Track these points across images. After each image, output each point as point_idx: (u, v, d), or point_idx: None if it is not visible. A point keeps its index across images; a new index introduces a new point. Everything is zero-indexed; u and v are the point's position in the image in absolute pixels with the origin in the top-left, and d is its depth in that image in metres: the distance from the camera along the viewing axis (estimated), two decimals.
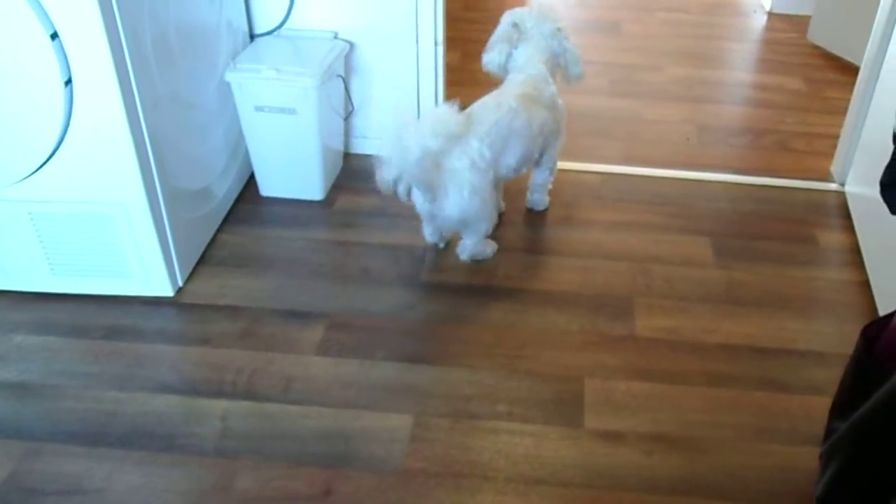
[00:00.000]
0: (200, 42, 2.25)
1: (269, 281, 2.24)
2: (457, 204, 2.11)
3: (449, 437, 1.80)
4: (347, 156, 2.80)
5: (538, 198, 2.53)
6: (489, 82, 3.35)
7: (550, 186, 2.54)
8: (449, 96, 2.76)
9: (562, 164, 2.63)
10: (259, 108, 2.38)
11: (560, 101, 2.39)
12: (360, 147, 2.82)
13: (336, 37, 2.57)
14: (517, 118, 2.19)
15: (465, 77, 3.30)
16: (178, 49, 2.09)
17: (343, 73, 2.56)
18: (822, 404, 1.65)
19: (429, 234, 2.34)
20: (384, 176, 2.04)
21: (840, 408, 1.62)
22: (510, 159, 2.21)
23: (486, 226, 2.22)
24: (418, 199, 2.18)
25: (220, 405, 1.87)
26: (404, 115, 2.22)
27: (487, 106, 2.20)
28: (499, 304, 2.18)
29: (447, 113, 2.01)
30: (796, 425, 1.85)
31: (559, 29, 2.33)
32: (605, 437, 1.81)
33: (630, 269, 2.32)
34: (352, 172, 2.74)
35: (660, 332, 2.11)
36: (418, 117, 2.22)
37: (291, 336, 2.06)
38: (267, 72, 2.31)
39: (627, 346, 2.06)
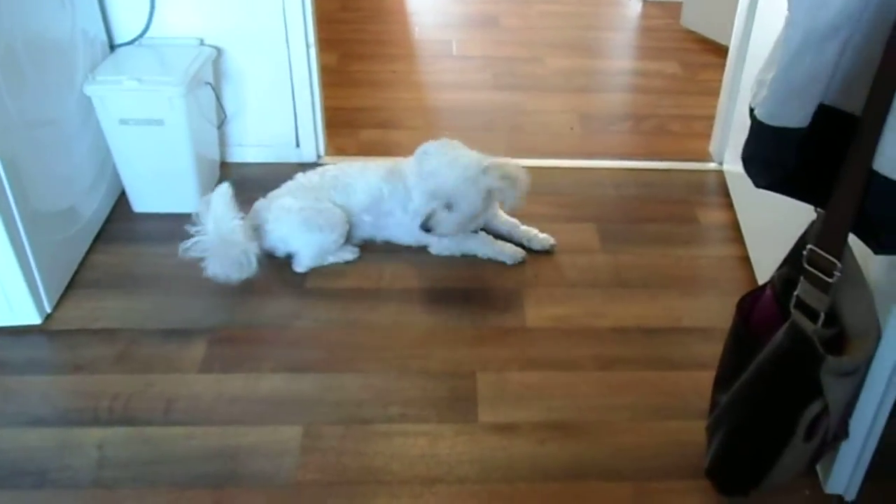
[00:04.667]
0: (53, 55, 2.12)
1: (145, 300, 2.13)
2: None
3: (341, 444, 1.75)
4: (224, 165, 2.71)
5: None
6: (369, 82, 3.33)
7: None
8: (327, 99, 2.71)
9: None
10: (124, 122, 2.27)
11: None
12: (238, 155, 2.73)
13: (202, 43, 2.48)
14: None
15: (343, 79, 3.26)
16: (27, 64, 1.96)
17: (212, 79, 2.47)
18: (708, 378, 1.68)
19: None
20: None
21: (722, 381, 1.64)
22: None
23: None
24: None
25: (96, 434, 1.76)
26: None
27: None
28: (388, 307, 2.13)
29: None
30: (686, 401, 1.87)
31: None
32: (499, 430, 1.79)
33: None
34: (230, 180, 2.62)
35: (550, 320, 2.10)
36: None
37: (171, 355, 1.97)
38: (128, 82, 2.21)
39: (519, 337, 2.05)
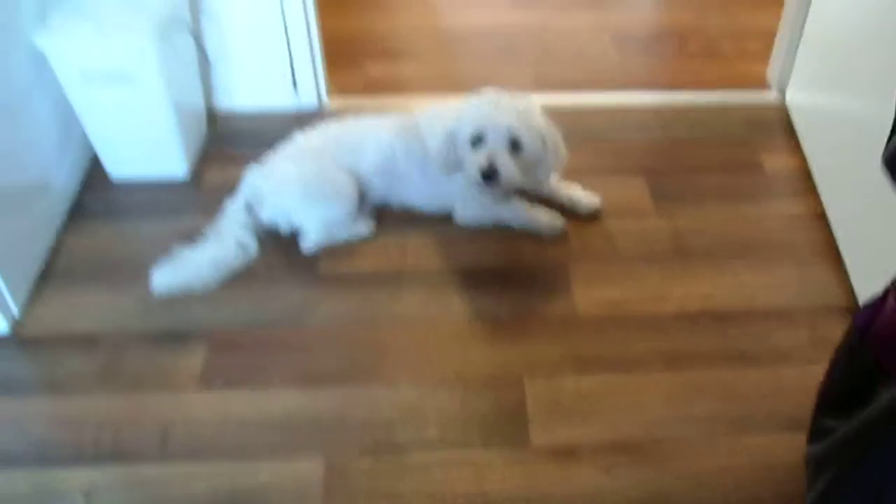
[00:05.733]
0: None
1: (131, 293, 1.82)
2: None
3: (371, 482, 1.48)
4: (213, 115, 2.34)
5: None
6: (374, 5, 2.90)
7: None
8: (325, 28, 2.32)
9: (463, 98, 2.26)
10: (86, 77, 1.89)
11: None
12: (228, 102, 2.36)
13: None
14: None
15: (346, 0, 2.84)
16: None
17: (189, 19, 2.07)
18: (792, 377, 1.53)
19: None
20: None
21: (830, 402, 1.37)
22: None
23: None
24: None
25: (82, 476, 1.49)
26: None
27: None
28: (414, 294, 1.83)
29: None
30: (770, 407, 1.60)
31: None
32: (556, 456, 1.52)
33: None
34: (221, 135, 2.29)
35: (604, 305, 1.80)
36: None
37: (165, 367, 1.68)
38: (87, 29, 1.82)
39: (569, 328, 1.75)
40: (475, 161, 1.79)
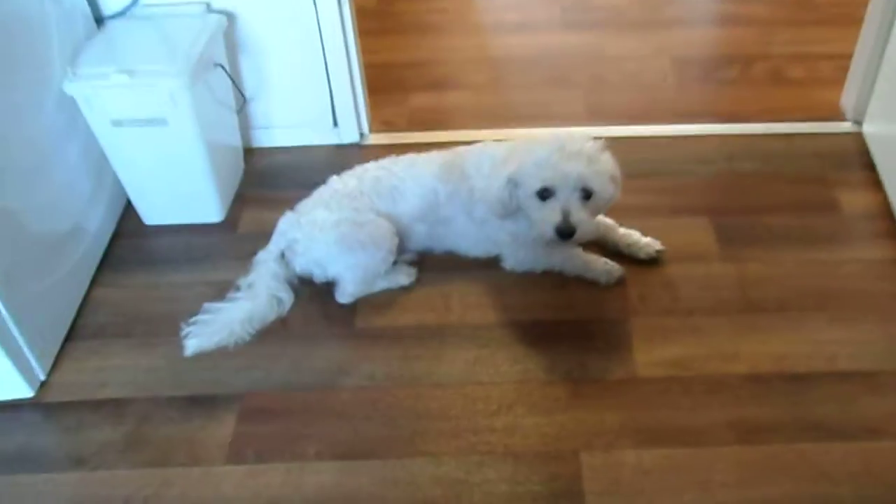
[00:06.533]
0: (19, 40, 1.65)
1: (160, 354, 1.73)
2: None
3: None
4: (249, 152, 2.25)
5: None
6: (415, 26, 2.78)
7: None
8: (366, 53, 2.22)
9: (511, 132, 2.14)
10: (117, 123, 1.81)
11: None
12: (266, 139, 2.26)
13: (209, 9, 1.98)
14: None
15: (384, 24, 2.73)
16: None
17: (224, 57, 1.98)
18: (883, 452, 1.38)
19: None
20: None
21: None
22: None
23: None
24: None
25: None
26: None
27: None
28: (459, 353, 1.70)
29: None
30: (857, 488, 1.43)
31: None
32: None
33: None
34: (257, 174, 2.20)
35: (667, 366, 1.65)
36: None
37: (194, 436, 1.57)
38: (117, 76, 1.73)
39: (629, 393, 1.60)
40: (549, 218, 1.65)
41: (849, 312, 1.74)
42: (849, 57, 2.24)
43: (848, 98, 2.26)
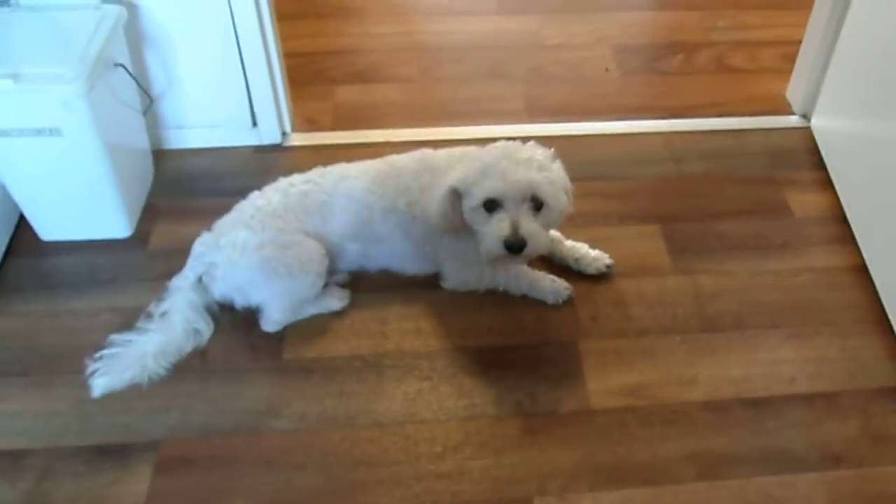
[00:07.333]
0: None
1: (62, 396, 1.53)
2: None
3: None
4: (160, 155, 2.03)
5: None
6: (338, 11, 2.59)
7: None
8: (286, 40, 2.03)
9: (447, 130, 2.00)
10: (3, 133, 1.58)
11: None
12: (177, 141, 2.06)
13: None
14: None
15: (305, 6, 2.53)
16: None
17: (126, 55, 1.76)
18: (848, 481, 1.33)
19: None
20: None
21: None
22: None
23: None
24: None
25: None
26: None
27: None
28: (399, 387, 1.56)
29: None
30: None
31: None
32: None
33: None
34: (169, 180, 1.99)
35: (622, 395, 1.55)
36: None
37: (104, 494, 1.40)
38: (1, 81, 1.51)
39: (582, 426, 1.49)
40: (496, 231, 1.50)
41: (805, 328, 1.67)
42: (795, 43, 2.15)
43: (795, 89, 2.18)
